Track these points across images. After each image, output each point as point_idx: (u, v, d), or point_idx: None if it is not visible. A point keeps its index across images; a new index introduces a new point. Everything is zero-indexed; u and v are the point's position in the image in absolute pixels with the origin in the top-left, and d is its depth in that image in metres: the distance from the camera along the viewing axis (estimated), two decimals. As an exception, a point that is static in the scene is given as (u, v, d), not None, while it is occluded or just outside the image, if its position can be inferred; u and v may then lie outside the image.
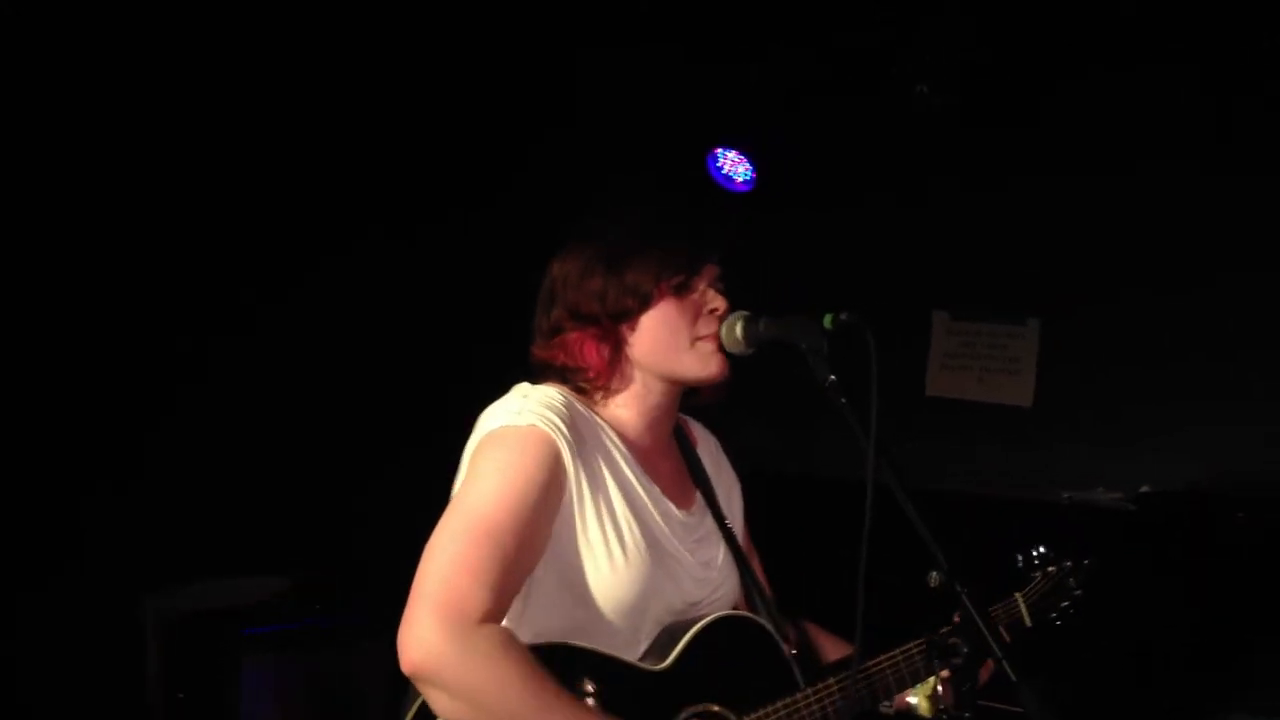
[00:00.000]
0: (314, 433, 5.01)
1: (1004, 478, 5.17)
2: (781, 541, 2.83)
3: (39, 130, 4.24)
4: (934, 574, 2.26)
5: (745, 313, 2.40)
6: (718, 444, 2.70)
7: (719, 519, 2.53)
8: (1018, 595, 2.68)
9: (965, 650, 2.18)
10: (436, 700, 2.06)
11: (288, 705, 4.53)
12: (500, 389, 2.38)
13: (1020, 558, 2.72)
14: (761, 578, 2.63)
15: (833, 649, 2.64)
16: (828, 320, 2.25)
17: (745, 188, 5.78)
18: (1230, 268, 4.97)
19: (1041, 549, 2.72)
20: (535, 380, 2.40)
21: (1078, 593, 2.71)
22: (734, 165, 5.78)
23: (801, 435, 5.16)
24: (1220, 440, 4.89)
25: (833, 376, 2.22)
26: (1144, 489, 4.79)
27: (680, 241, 2.38)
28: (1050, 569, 2.71)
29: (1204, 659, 4.26)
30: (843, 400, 2.21)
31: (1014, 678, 2.01)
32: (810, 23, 5.08)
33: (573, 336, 2.37)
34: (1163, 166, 5.06)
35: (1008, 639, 2.46)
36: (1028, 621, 2.65)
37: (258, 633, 4.51)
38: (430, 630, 2.02)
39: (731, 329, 2.38)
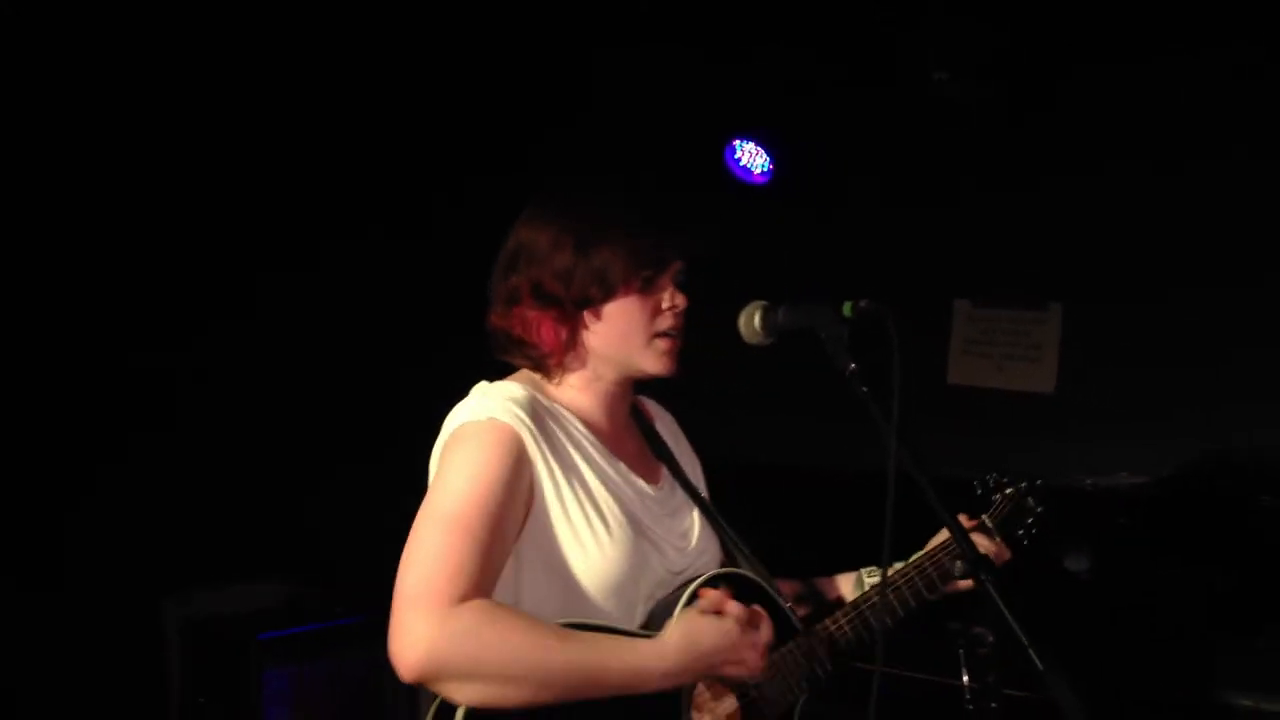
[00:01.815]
0: (328, 434, 5.01)
1: (1026, 464, 5.12)
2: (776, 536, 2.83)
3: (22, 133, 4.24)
4: (959, 563, 2.25)
5: (763, 302, 2.38)
6: (673, 420, 2.71)
7: (689, 489, 2.54)
8: (984, 517, 2.77)
9: (991, 639, 2.16)
10: (454, 692, 2.06)
11: (309, 708, 4.53)
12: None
13: (977, 484, 2.83)
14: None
15: (805, 594, 2.71)
16: (847, 308, 2.25)
17: (764, 178, 5.74)
18: (1254, 256, 4.93)
19: (995, 474, 2.85)
20: (494, 355, 2.42)
21: (1039, 510, 2.80)
22: (752, 156, 5.74)
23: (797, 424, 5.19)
24: (1244, 426, 4.83)
25: (854, 365, 2.21)
26: (1168, 473, 4.74)
27: (654, 235, 2.36)
28: (1008, 490, 2.82)
29: (1225, 641, 4.23)
30: (864, 389, 2.19)
31: (1041, 666, 1.98)
32: (821, 14, 5.05)
33: (532, 314, 2.35)
34: (1182, 154, 5.00)
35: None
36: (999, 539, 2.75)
37: (278, 636, 4.51)
38: (418, 627, 2.02)
39: (750, 319, 2.36)
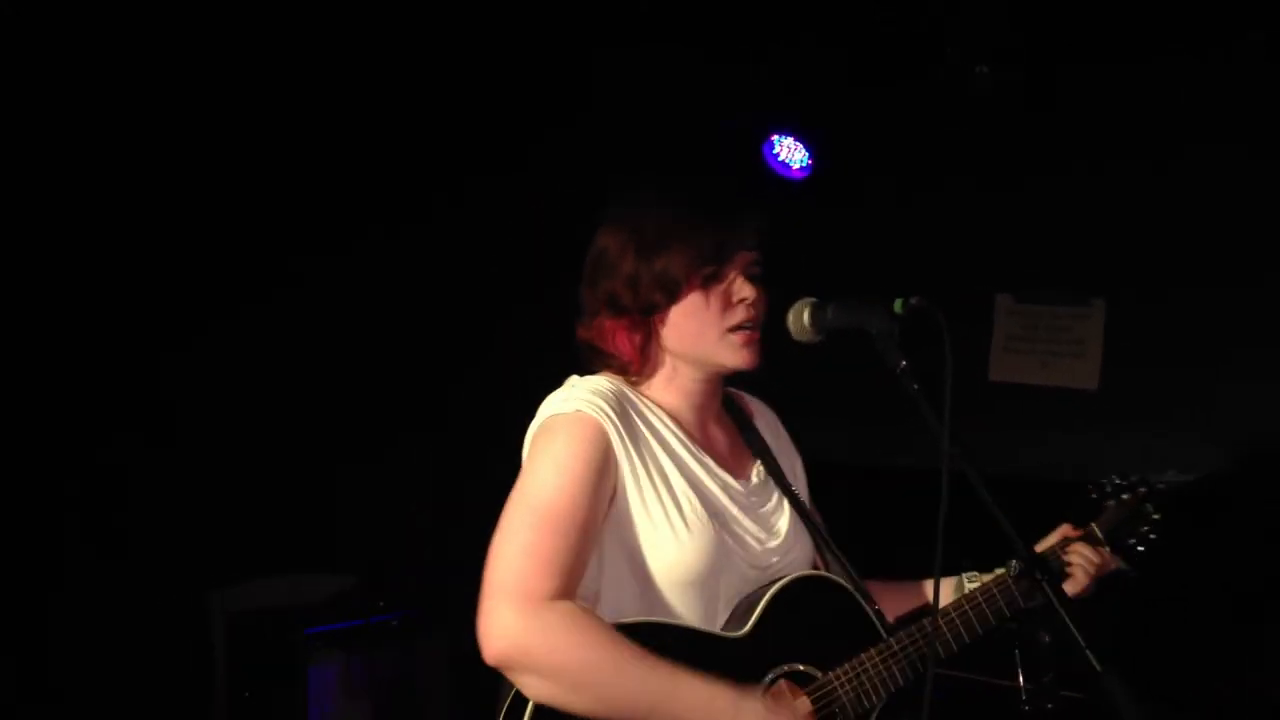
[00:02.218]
0: (377, 431, 5.03)
1: (1071, 462, 5.09)
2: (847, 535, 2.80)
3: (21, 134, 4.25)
4: (1013, 562, 2.23)
5: (812, 299, 2.38)
6: (774, 416, 2.71)
7: (783, 486, 2.54)
8: (1093, 524, 2.70)
9: (1048, 640, 2.15)
10: (529, 684, 2.11)
11: (352, 702, 4.55)
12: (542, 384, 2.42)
13: (1091, 488, 2.73)
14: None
15: (900, 600, 2.66)
16: (898, 305, 2.24)
17: (802, 174, 5.71)
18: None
19: (1115, 478, 2.73)
20: (583, 365, 2.45)
21: (1156, 517, 2.71)
22: (790, 152, 5.71)
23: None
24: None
25: (904, 362, 2.21)
26: (1217, 470, 4.70)
27: (710, 231, 2.36)
28: (1125, 496, 2.72)
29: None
30: (915, 386, 2.19)
31: (1098, 668, 1.97)
32: (846, 8, 5.03)
33: (608, 324, 2.40)
34: (1225, 146, 4.96)
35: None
36: (1106, 547, 2.66)
37: (323, 630, 4.54)
38: (508, 616, 2.09)
39: (799, 316, 2.37)
